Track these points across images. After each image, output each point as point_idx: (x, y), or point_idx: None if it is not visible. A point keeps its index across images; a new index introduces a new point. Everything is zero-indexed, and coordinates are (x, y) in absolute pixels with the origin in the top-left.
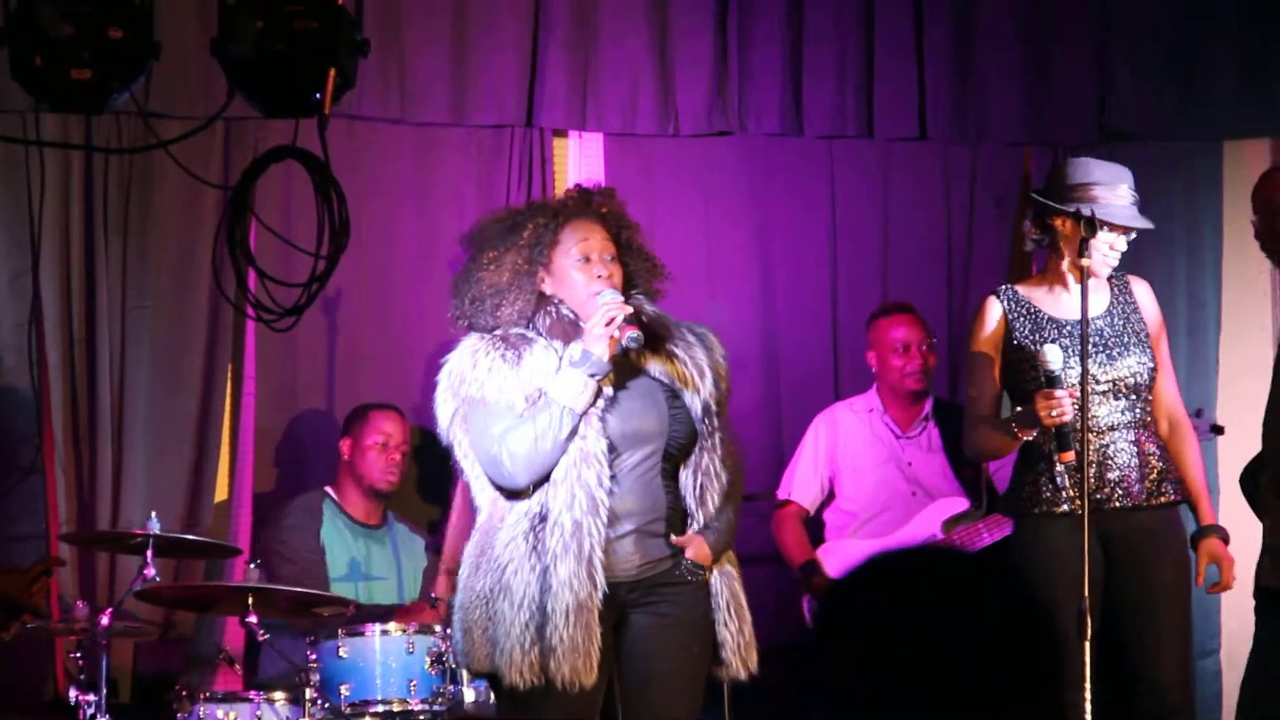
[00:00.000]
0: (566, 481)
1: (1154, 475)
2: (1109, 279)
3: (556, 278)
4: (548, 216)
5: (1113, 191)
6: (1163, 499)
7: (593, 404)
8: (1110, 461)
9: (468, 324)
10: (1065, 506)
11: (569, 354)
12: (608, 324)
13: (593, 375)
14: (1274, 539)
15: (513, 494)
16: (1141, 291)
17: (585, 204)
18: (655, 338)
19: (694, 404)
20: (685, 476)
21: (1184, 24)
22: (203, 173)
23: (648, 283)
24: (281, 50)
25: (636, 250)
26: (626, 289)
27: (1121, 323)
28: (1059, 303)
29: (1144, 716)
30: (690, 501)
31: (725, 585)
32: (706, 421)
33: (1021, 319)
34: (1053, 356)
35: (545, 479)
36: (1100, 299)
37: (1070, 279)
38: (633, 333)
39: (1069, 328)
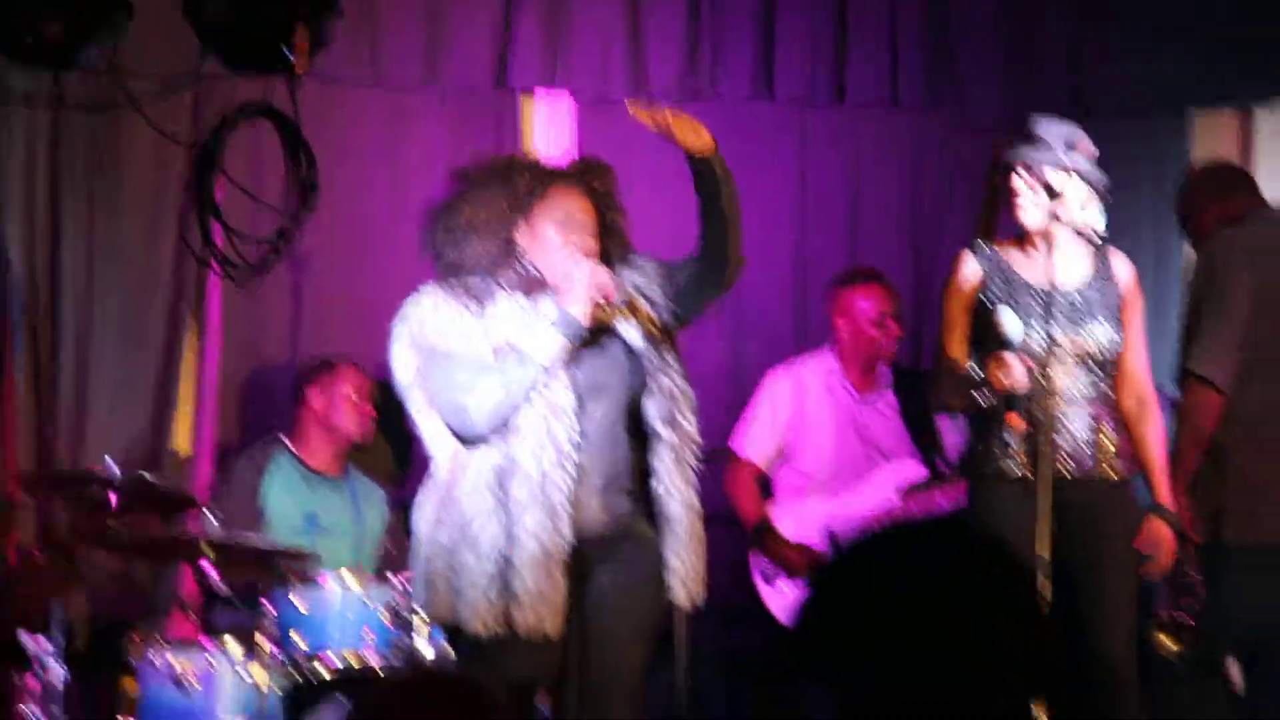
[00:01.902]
0: (534, 433)
1: (1107, 450)
2: (1093, 251)
3: (533, 232)
4: (541, 173)
5: (1070, 153)
6: (1113, 474)
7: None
8: (1064, 431)
9: (434, 254)
10: (1017, 472)
11: (543, 311)
12: (594, 288)
13: (570, 337)
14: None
15: (469, 442)
16: (1120, 266)
17: (582, 174)
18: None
19: (635, 338)
20: (649, 405)
21: None
22: (172, 130)
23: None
24: (253, 9)
25: (616, 234)
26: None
27: (1097, 295)
28: (1033, 266)
29: (1090, 687)
30: (660, 426)
31: (686, 516)
32: (651, 349)
33: (996, 278)
34: (1008, 321)
35: (505, 428)
36: (1080, 268)
37: (1051, 243)
38: (619, 294)
39: (1041, 293)
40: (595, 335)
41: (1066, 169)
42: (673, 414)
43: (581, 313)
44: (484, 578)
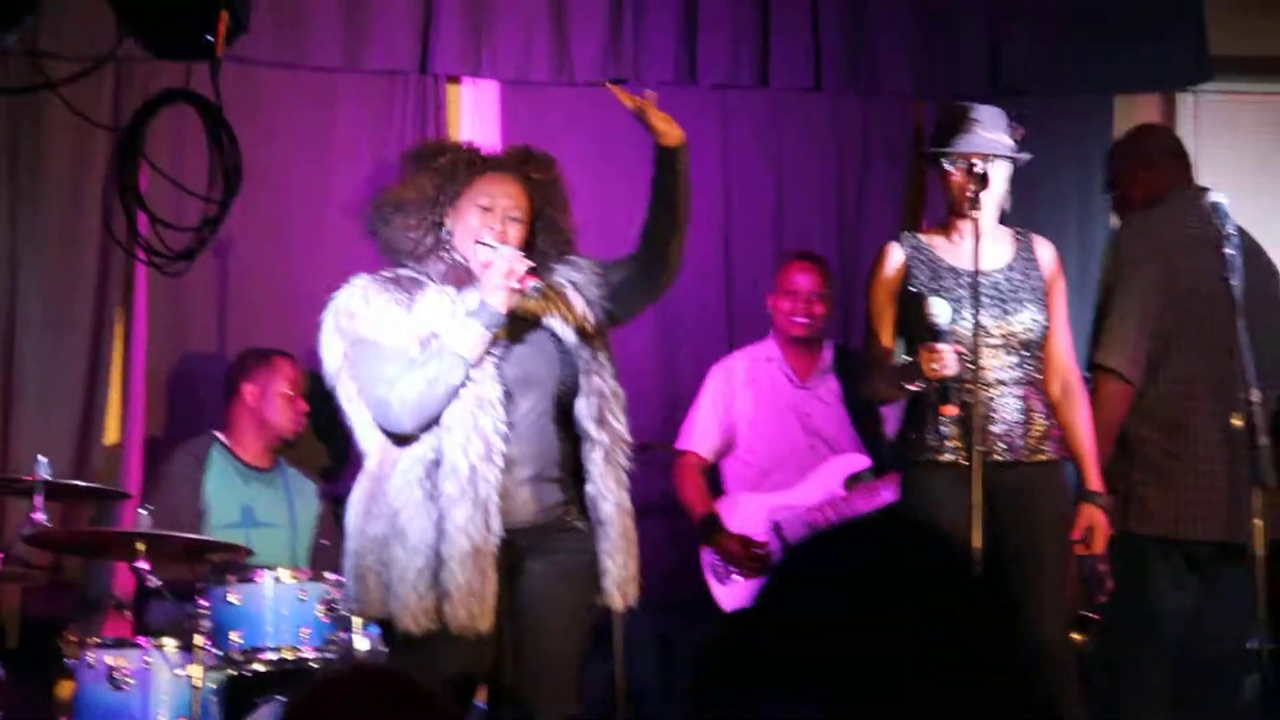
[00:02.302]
0: (462, 427)
1: (1037, 432)
2: (1014, 235)
3: (457, 216)
4: (474, 158)
5: (974, 129)
6: (1043, 456)
7: (486, 352)
8: (994, 415)
9: (370, 232)
10: (948, 456)
11: (465, 302)
12: (507, 275)
13: (488, 327)
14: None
15: (399, 439)
16: (1043, 250)
17: (519, 163)
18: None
19: (566, 335)
20: (580, 403)
21: None
22: (92, 114)
23: (550, 259)
24: None
25: (554, 228)
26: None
27: (1020, 278)
28: (958, 252)
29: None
30: (590, 426)
31: (618, 518)
32: (585, 346)
33: (920, 266)
34: (939, 309)
35: (434, 424)
36: (1002, 252)
37: (976, 228)
38: (532, 282)
39: (966, 278)
40: (521, 326)
41: (1008, 158)
42: (603, 413)
43: (499, 301)
44: (413, 573)
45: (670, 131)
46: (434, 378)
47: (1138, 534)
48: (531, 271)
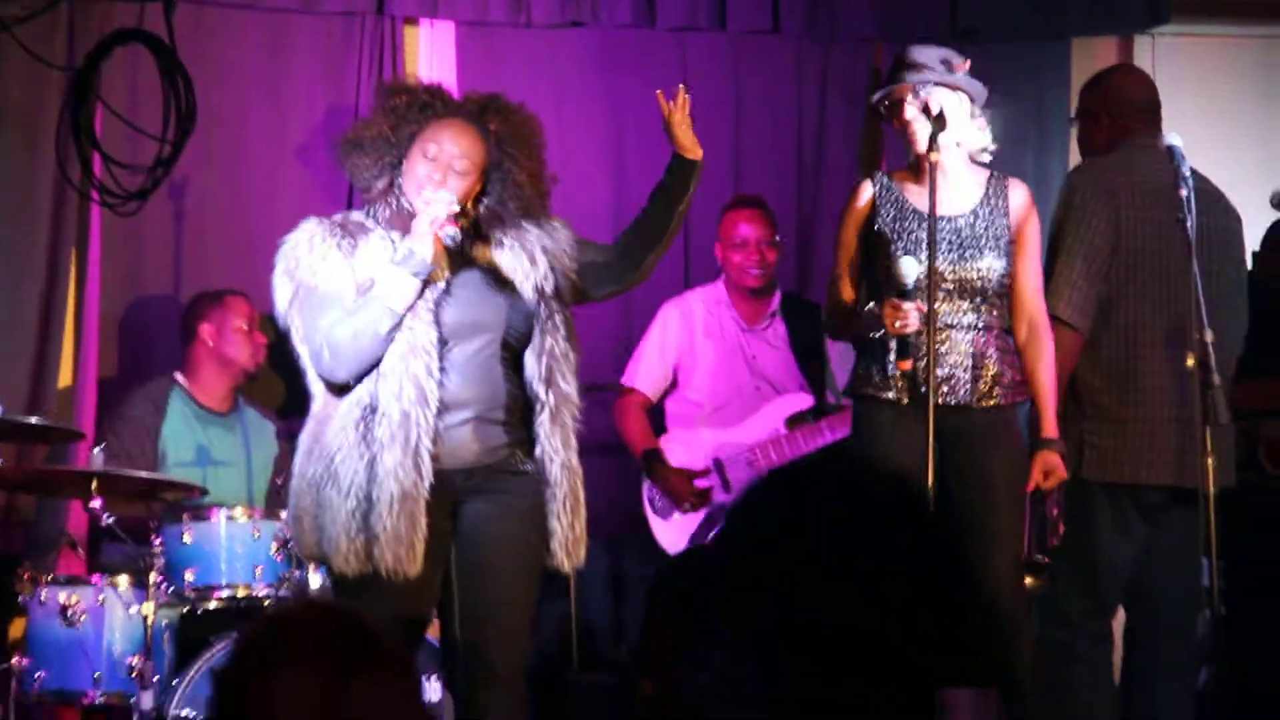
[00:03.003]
0: (395, 373)
1: (987, 378)
2: (988, 179)
3: (408, 162)
4: (430, 100)
5: (910, 70)
6: (992, 402)
7: (418, 300)
8: (942, 359)
9: (340, 163)
10: (891, 394)
11: (397, 251)
12: (430, 222)
13: (415, 274)
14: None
15: (336, 387)
16: (1016, 194)
17: (476, 111)
18: (487, 231)
19: (525, 288)
20: (530, 361)
21: None
22: (46, 55)
23: (520, 208)
24: None
25: (514, 181)
26: (475, 205)
27: (984, 225)
28: (923, 195)
29: (977, 617)
30: (538, 387)
31: (565, 478)
32: (543, 305)
33: (888, 206)
34: (908, 269)
35: (370, 370)
36: (969, 196)
37: (939, 171)
38: (450, 229)
39: (927, 221)
40: (470, 272)
41: (950, 86)
42: (552, 374)
43: (424, 248)
44: (344, 515)
45: (694, 148)
46: (362, 327)
47: (1087, 480)
48: (456, 218)
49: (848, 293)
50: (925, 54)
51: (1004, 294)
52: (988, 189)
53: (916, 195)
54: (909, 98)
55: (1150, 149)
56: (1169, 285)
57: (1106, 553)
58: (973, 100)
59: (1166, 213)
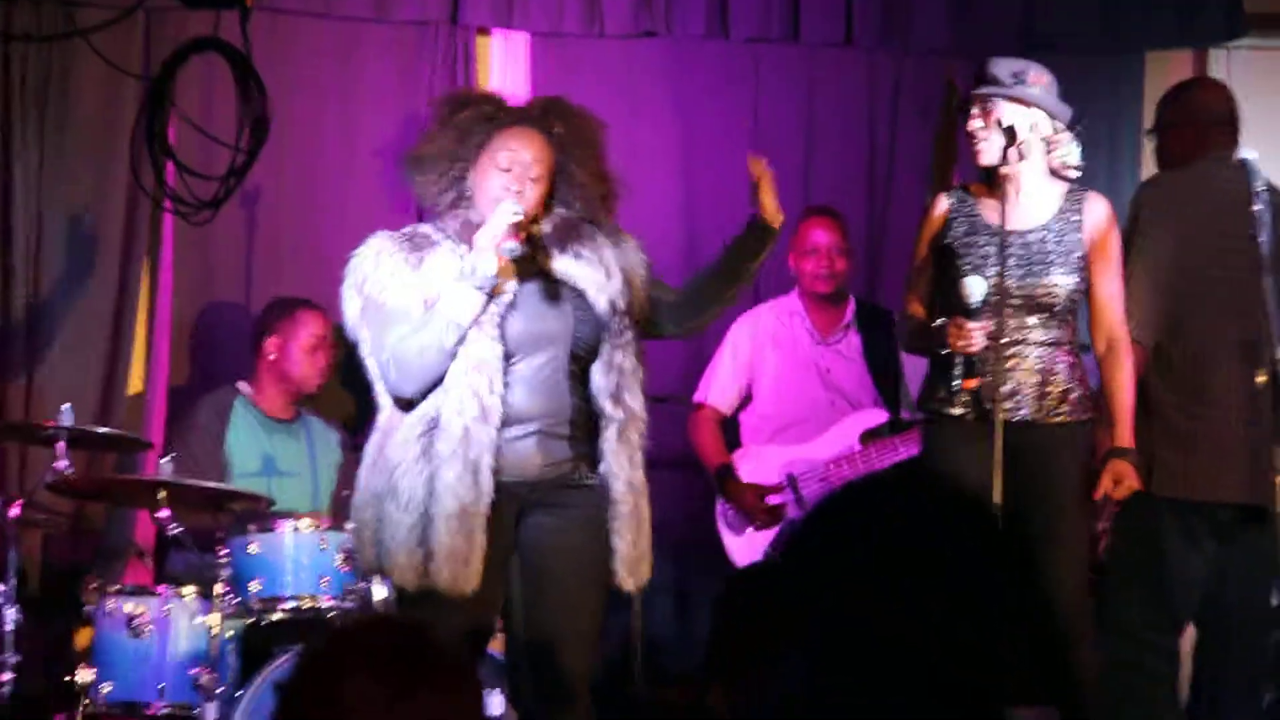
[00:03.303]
0: (458, 388)
1: (1055, 394)
2: (1066, 193)
3: (477, 173)
4: (494, 111)
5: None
6: (1059, 419)
7: (483, 313)
8: (1007, 375)
9: (407, 181)
10: (958, 410)
11: (463, 266)
12: (491, 237)
13: (479, 289)
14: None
15: (403, 403)
16: (1092, 209)
17: (540, 116)
18: (563, 241)
19: (598, 301)
20: (598, 376)
21: None
22: (122, 63)
23: (593, 212)
24: None
25: (581, 181)
26: (547, 211)
27: (1055, 240)
28: (996, 209)
29: (1043, 629)
30: (605, 402)
31: (630, 496)
32: (615, 319)
33: (960, 219)
34: (973, 288)
35: (436, 385)
36: (1044, 210)
37: (1012, 186)
38: (510, 243)
39: (999, 236)
40: (539, 283)
41: (1021, 101)
42: (620, 390)
43: (487, 262)
44: (404, 530)
45: (776, 215)
46: (427, 343)
47: (1156, 496)
48: (518, 231)
49: (919, 306)
50: (999, 66)
51: (1074, 309)
52: (1064, 203)
53: (989, 209)
54: (975, 109)
55: (1225, 162)
56: (1241, 300)
57: (1177, 569)
58: (1052, 116)
59: (1240, 226)
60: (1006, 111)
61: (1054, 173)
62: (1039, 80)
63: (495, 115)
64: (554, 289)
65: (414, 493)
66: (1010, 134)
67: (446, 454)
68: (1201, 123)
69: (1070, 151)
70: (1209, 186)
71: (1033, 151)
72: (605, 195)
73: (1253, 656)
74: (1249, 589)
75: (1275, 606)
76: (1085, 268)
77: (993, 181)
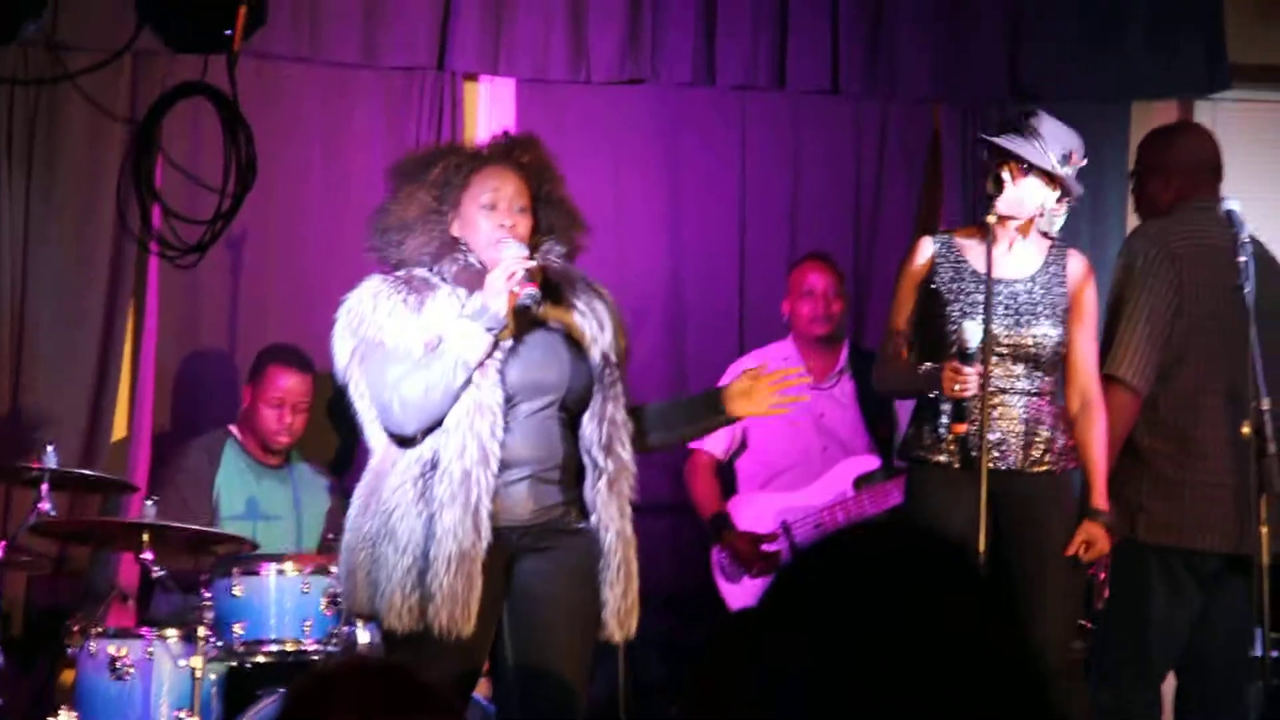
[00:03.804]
0: (459, 430)
1: (1039, 444)
2: (1051, 246)
3: (464, 221)
4: (463, 158)
5: (1023, 137)
6: (1043, 468)
7: (489, 356)
8: (994, 424)
9: (378, 256)
10: (943, 457)
11: (469, 305)
12: (508, 279)
13: (489, 330)
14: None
15: (403, 441)
16: (1074, 264)
17: (506, 152)
18: (559, 290)
19: (593, 353)
20: (589, 427)
21: None
22: (110, 106)
23: (566, 236)
24: None
25: (556, 203)
26: (538, 241)
27: (1042, 290)
28: (983, 256)
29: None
30: (597, 452)
31: (620, 547)
32: (608, 372)
33: (946, 266)
34: (971, 333)
35: (437, 426)
36: (1029, 262)
37: (1004, 236)
38: (530, 290)
39: (985, 283)
40: (537, 332)
41: (1056, 178)
42: (613, 442)
43: (500, 304)
44: (400, 572)
45: (745, 410)
46: (434, 381)
47: (1142, 543)
48: (533, 279)
49: (902, 349)
50: (1053, 133)
51: (1058, 362)
52: (1048, 257)
53: (975, 256)
54: (1011, 166)
55: (1209, 211)
56: (1228, 350)
57: (1160, 617)
58: (1066, 194)
59: (1226, 276)
60: (1036, 176)
61: (1037, 227)
62: (1077, 162)
63: (466, 162)
64: (552, 337)
65: (412, 535)
66: (999, 183)
67: (446, 497)
68: (1187, 168)
69: (1056, 223)
70: (1197, 233)
71: (1032, 214)
72: (578, 220)
73: (1232, 706)
74: (1230, 639)
75: (1255, 657)
76: (1068, 321)
77: (980, 229)
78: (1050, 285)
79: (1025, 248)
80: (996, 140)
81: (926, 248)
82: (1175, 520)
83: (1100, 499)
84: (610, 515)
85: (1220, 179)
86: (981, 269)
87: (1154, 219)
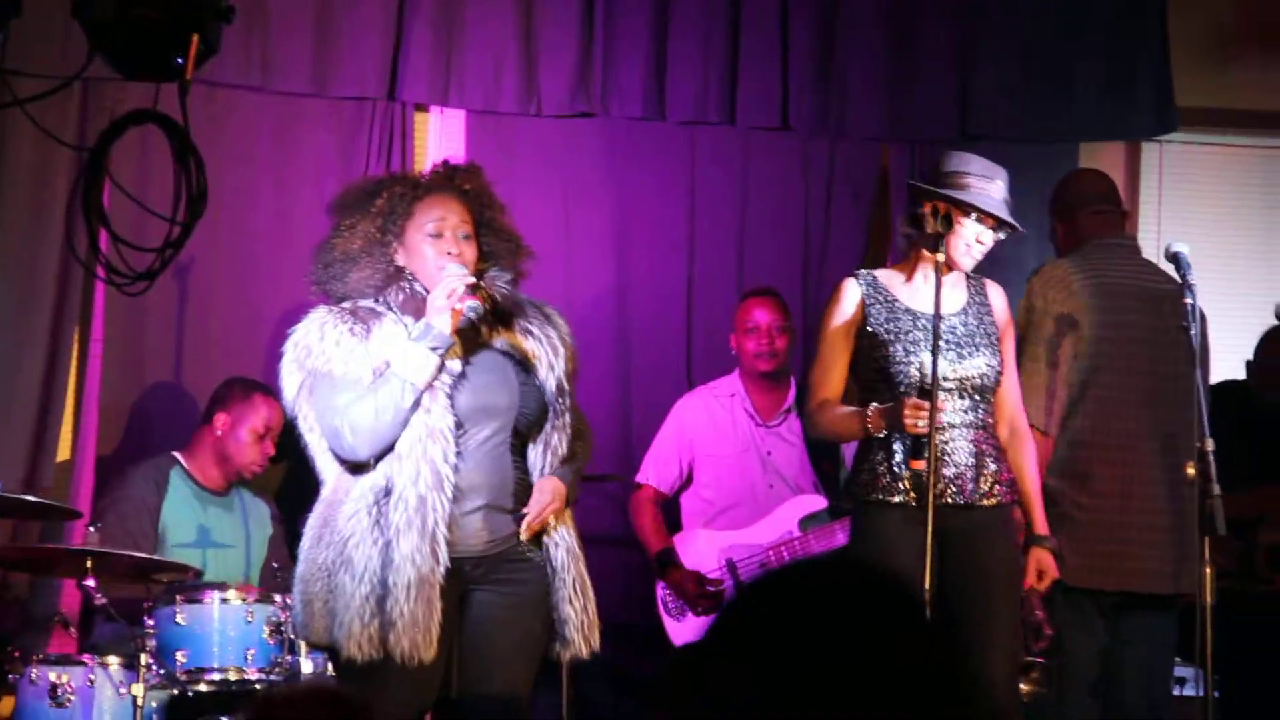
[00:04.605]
0: (412, 456)
1: (989, 476)
2: (968, 280)
3: (409, 251)
4: (406, 188)
5: (987, 184)
6: (993, 500)
7: (436, 377)
8: (948, 459)
9: (322, 290)
10: (899, 498)
11: (414, 328)
12: (448, 296)
13: (434, 349)
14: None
15: (355, 467)
16: (995, 295)
17: (447, 180)
18: (508, 314)
19: (548, 381)
20: (534, 454)
21: (1045, 25)
22: (59, 133)
23: (510, 262)
24: (144, 13)
25: (499, 229)
26: (484, 268)
27: (975, 322)
28: (916, 294)
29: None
30: (539, 478)
31: (572, 564)
32: (560, 400)
33: (878, 306)
34: (929, 369)
35: (389, 452)
36: (957, 297)
37: (928, 272)
38: (471, 302)
39: (923, 320)
40: (486, 355)
41: (1012, 227)
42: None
43: (443, 323)
44: (359, 600)
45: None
46: (383, 405)
47: (1060, 584)
48: (474, 292)
49: (838, 391)
50: (990, 172)
51: (993, 393)
52: (970, 289)
53: (906, 294)
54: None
55: (1116, 248)
56: (1131, 387)
57: (1070, 651)
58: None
59: (1138, 315)
60: (978, 222)
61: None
62: (1004, 193)
63: (409, 191)
64: (502, 361)
65: (370, 563)
66: (949, 222)
67: (402, 524)
68: (1075, 207)
69: (981, 250)
70: (1098, 269)
71: (968, 246)
72: (521, 246)
73: None
74: (1141, 677)
75: (1171, 694)
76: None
77: (907, 265)
78: (982, 316)
79: (951, 282)
80: (1000, 216)
81: (853, 291)
82: (1074, 560)
83: (1042, 526)
84: (561, 534)
85: (1121, 216)
86: (914, 306)
87: (1058, 259)
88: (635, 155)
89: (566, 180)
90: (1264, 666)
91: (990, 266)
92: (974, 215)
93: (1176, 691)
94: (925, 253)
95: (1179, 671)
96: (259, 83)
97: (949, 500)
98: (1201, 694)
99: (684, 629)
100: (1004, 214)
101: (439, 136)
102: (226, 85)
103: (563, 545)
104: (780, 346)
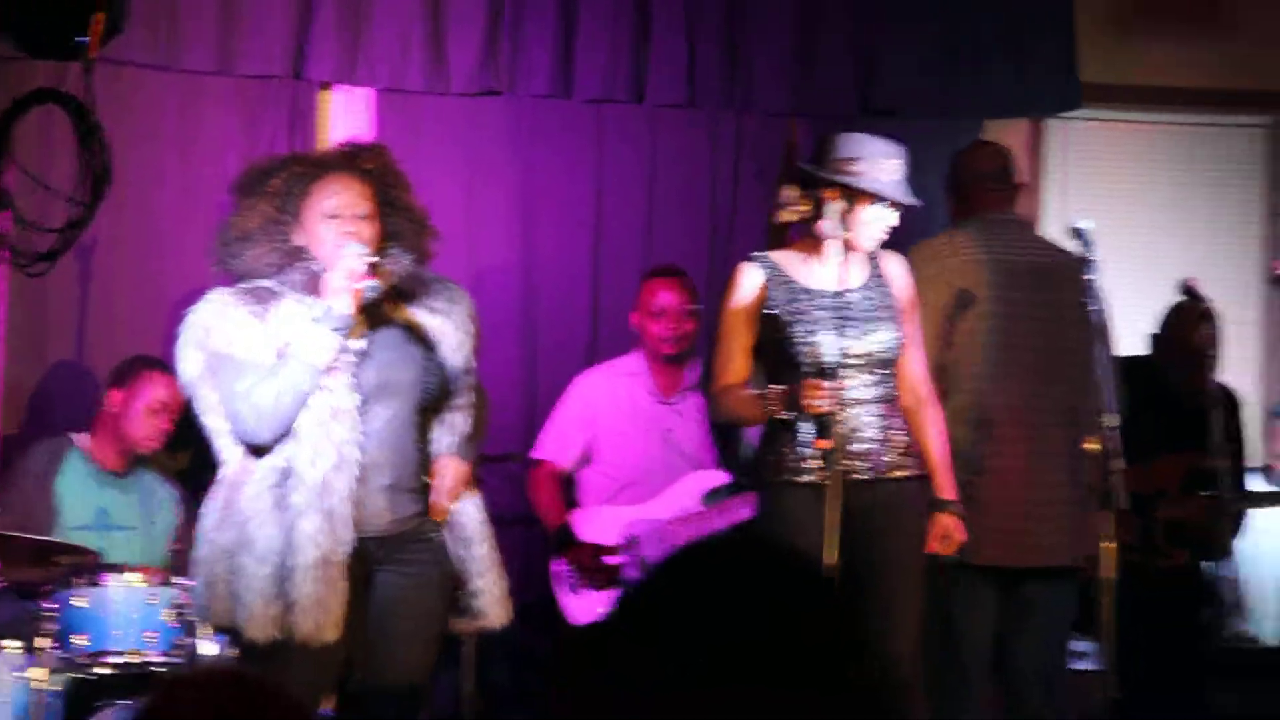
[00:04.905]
0: (313, 437)
1: (898, 449)
2: (867, 254)
3: (307, 231)
4: (305, 168)
5: (878, 166)
6: (903, 472)
7: (337, 358)
8: (856, 435)
9: (224, 268)
10: (807, 477)
11: (314, 310)
12: (347, 276)
13: (336, 329)
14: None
15: (257, 449)
16: (893, 266)
17: (349, 160)
18: (410, 292)
19: (454, 359)
20: (438, 432)
21: (949, 1)
22: None
23: (415, 242)
24: None
25: (404, 208)
26: (386, 248)
27: (877, 296)
28: (814, 274)
29: (875, 686)
30: (440, 457)
31: (484, 536)
32: (463, 378)
33: (778, 288)
34: (828, 347)
35: (289, 433)
36: (858, 273)
37: (828, 250)
38: (371, 282)
39: (824, 299)
40: (389, 333)
41: (894, 202)
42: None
43: (343, 303)
44: (260, 581)
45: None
46: (284, 388)
47: (947, 561)
48: (373, 270)
49: (743, 375)
50: (883, 153)
51: (895, 364)
52: (869, 263)
53: (804, 274)
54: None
55: (1004, 224)
56: (1025, 363)
57: (958, 625)
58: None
59: (1030, 291)
60: (870, 197)
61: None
62: (901, 170)
63: (308, 171)
64: (404, 338)
65: (270, 544)
66: (850, 200)
67: (303, 505)
68: (969, 183)
69: (882, 229)
70: (981, 245)
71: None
72: (426, 226)
73: (1049, 716)
74: (1034, 650)
75: (1065, 666)
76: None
77: (806, 245)
78: (883, 290)
79: (852, 258)
80: (898, 199)
81: (754, 274)
82: (979, 539)
83: (948, 490)
84: (469, 508)
85: (1013, 192)
86: (811, 285)
87: (941, 235)
88: (542, 133)
89: (473, 159)
90: (1162, 640)
91: (895, 239)
92: (874, 201)
93: (1075, 665)
94: (823, 233)
95: (1078, 645)
96: (164, 61)
97: (858, 476)
98: (1100, 668)
99: (580, 604)
100: (900, 196)
101: (344, 115)
102: (132, 63)
103: (476, 516)
104: (687, 330)
